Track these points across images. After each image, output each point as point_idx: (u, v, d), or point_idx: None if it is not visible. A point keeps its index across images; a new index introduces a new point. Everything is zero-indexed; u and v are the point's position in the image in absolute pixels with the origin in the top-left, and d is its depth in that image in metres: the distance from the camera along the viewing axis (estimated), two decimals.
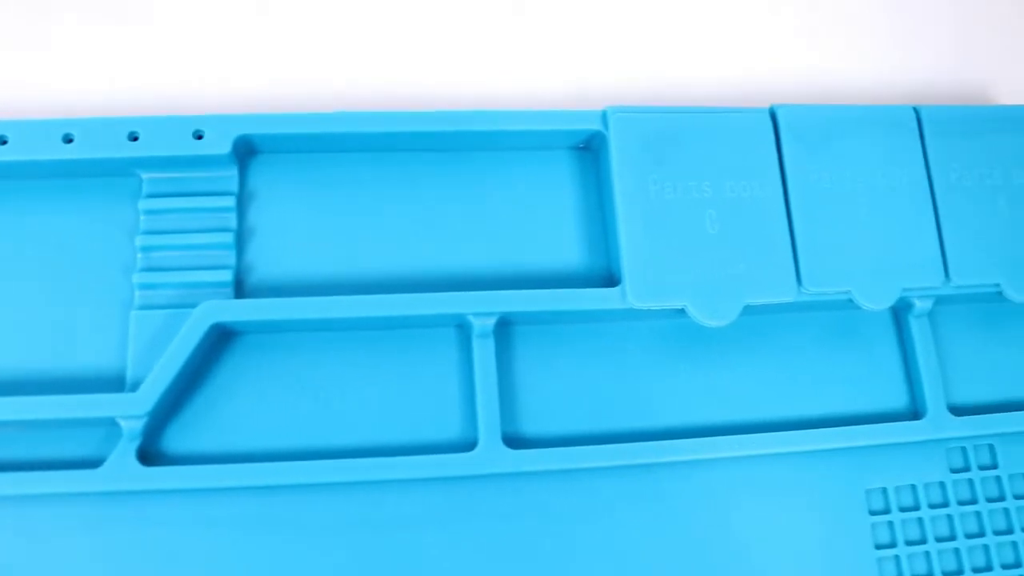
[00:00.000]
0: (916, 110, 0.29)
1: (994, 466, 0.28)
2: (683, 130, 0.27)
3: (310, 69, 0.29)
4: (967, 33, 0.34)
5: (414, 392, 0.26)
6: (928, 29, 0.34)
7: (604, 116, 0.27)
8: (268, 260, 0.27)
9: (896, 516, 0.27)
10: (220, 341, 0.26)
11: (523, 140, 0.28)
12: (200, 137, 0.26)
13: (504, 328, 0.27)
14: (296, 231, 0.27)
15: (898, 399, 0.29)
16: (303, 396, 0.26)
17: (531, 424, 0.26)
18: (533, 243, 0.28)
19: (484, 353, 0.26)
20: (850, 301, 0.27)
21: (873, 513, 0.27)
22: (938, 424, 0.28)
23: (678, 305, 0.26)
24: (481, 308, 0.26)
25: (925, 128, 0.29)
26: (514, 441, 0.26)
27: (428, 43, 0.30)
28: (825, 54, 0.32)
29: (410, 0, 0.30)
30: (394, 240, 0.27)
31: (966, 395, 0.29)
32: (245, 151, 0.27)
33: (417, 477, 0.25)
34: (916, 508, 0.28)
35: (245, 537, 0.25)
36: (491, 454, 0.25)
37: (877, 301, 0.27)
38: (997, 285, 0.28)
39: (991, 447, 0.29)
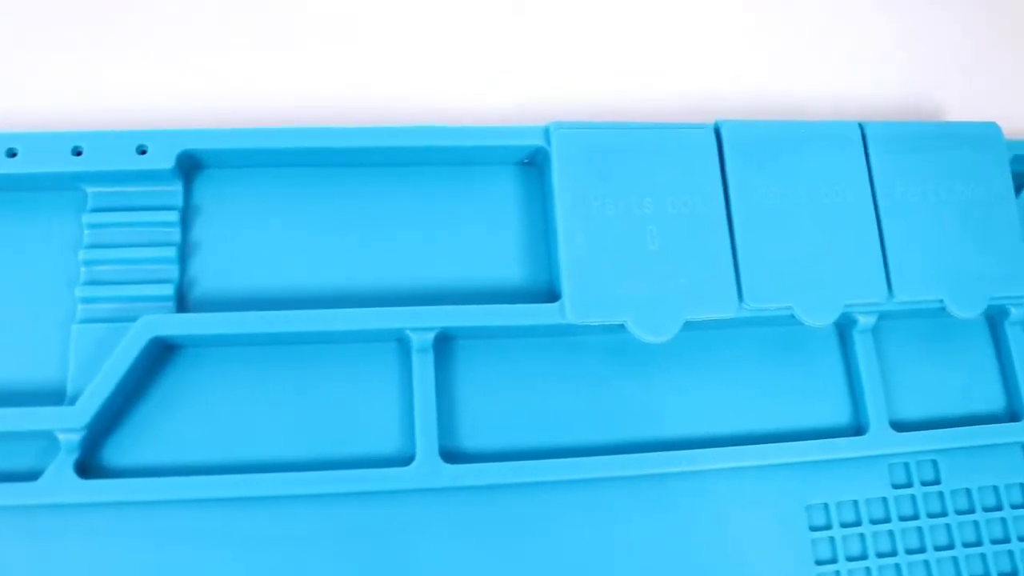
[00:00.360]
0: (861, 126, 0.29)
1: (937, 482, 0.28)
2: (626, 146, 0.27)
3: (257, 84, 0.29)
4: (914, 50, 0.34)
5: (355, 406, 0.26)
6: (875, 45, 0.34)
7: (547, 132, 0.27)
8: (212, 274, 0.27)
9: (837, 532, 0.27)
10: (162, 355, 0.26)
11: (468, 156, 0.28)
12: (143, 152, 0.26)
13: (446, 343, 0.27)
14: (241, 245, 0.27)
15: (841, 415, 0.29)
16: (244, 409, 0.26)
17: (471, 439, 0.27)
18: (477, 258, 0.28)
19: (423, 368, 0.26)
20: (793, 316, 0.27)
21: (814, 529, 0.27)
22: (880, 440, 0.28)
23: (617, 321, 0.26)
24: (419, 323, 0.26)
25: (870, 144, 0.29)
26: (452, 455, 0.26)
27: (374, 59, 0.30)
28: (771, 70, 0.32)
29: (356, 16, 0.30)
30: (338, 255, 0.27)
31: (910, 411, 0.29)
32: (190, 166, 0.27)
33: (354, 491, 0.25)
34: (857, 524, 0.28)
35: (184, 550, 0.25)
36: (428, 468, 0.25)
37: (819, 317, 0.27)
38: (941, 301, 0.28)
39: (934, 463, 0.29)
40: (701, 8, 0.33)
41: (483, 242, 0.28)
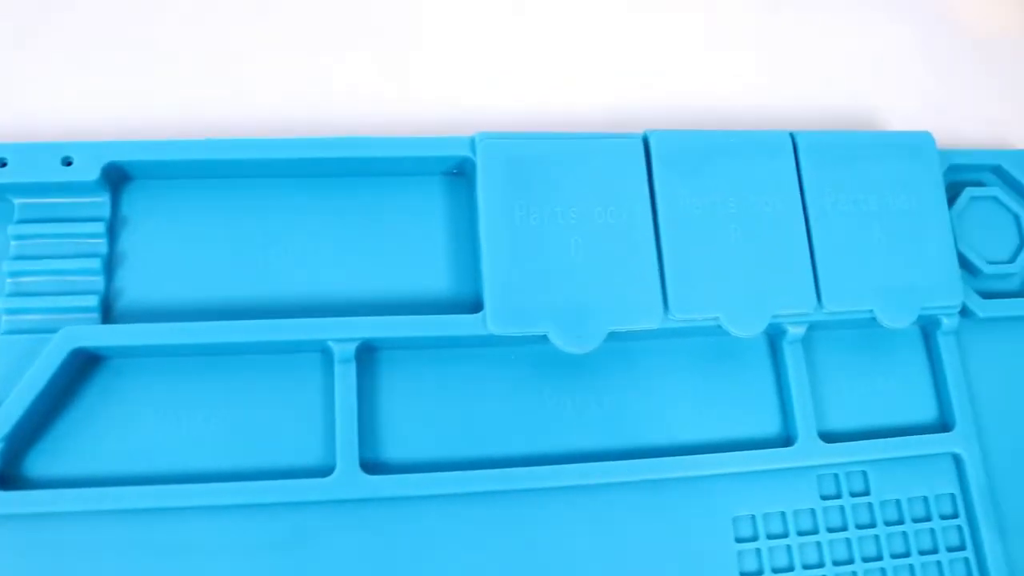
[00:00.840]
0: (792, 135, 0.29)
1: (866, 493, 0.28)
2: (553, 156, 0.27)
3: (183, 95, 0.29)
4: (850, 58, 0.34)
5: (278, 417, 0.26)
6: (810, 53, 0.34)
7: (472, 142, 0.27)
8: (138, 285, 0.27)
9: (764, 543, 0.27)
10: (86, 366, 0.26)
11: (394, 166, 0.28)
12: (69, 163, 0.26)
13: (370, 354, 0.27)
14: (167, 256, 0.27)
15: (771, 426, 0.29)
16: (167, 420, 0.26)
17: (394, 450, 0.27)
18: (404, 269, 0.28)
19: (345, 379, 0.26)
20: (721, 327, 0.27)
21: (740, 540, 0.27)
22: (808, 451, 0.28)
23: (539, 332, 0.26)
24: (340, 335, 0.26)
25: (801, 153, 0.29)
26: (374, 467, 0.26)
27: (302, 69, 0.30)
28: (703, 80, 0.32)
29: (282, 28, 0.30)
30: (264, 266, 0.27)
31: (840, 422, 0.29)
32: (117, 177, 0.27)
33: (273, 502, 0.25)
34: (785, 535, 0.28)
35: (105, 562, 0.25)
36: (347, 479, 0.25)
37: (746, 328, 0.27)
38: (871, 311, 0.28)
39: (864, 474, 0.29)
40: (632, 17, 0.33)
41: (410, 253, 0.28)
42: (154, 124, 0.28)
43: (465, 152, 0.28)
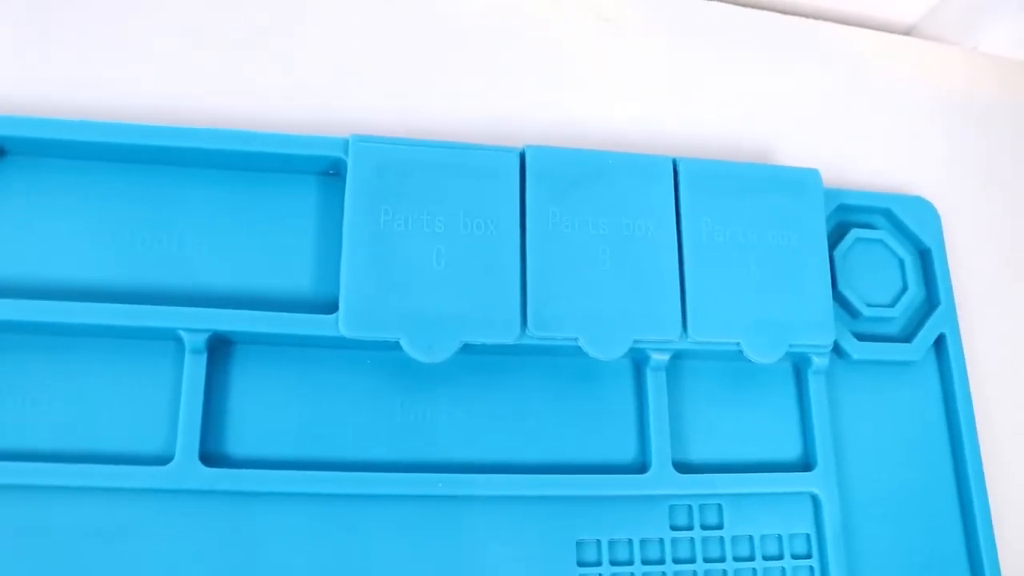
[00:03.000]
0: (674, 161, 0.29)
1: (720, 526, 0.28)
2: (426, 163, 0.27)
3: (69, 77, 0.29)
4: (750, 93, 0.34)
5: (128, 403, 0.26)
6: (702, 80, 0.34)
7: (346, 143, 0.27)
8: (2, 260, 0.27)
9: (606, 569, 0.27)
10: None
11: (268, 162, 0.28)
12: None
13: (226, 347, 0.27)
14: (34, 234, 0.27)
15: (627, 452, 0.28)
16: (12, 399, 0.26)
17: (239, 444, 0.26)
18: (272, 265, 0.28)
19: (193, 369, 0.26)
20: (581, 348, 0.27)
21: (582, 564, 0.27)
22: (660, 480, 0.28)
23: (391, 338, 0.26)
24: (191, 324, 0.26)
25: (681, 180, 0.29)
26: (215, 459, 0.26)
27: (194, 61, 0.30)
28: (597, 101, 0.32)
29: (175, 19, 0.30)
30: (131, 251, 0.27)
31: (702, 453, 0.29)
32: None
33: (108, 486, 0.25)
34: (630, 563, 0.27)
35: None
36: (185, 470, 0.25)
37: (606, 351, 0.27)
38: (737, 344, 0.28)
39: (719, 507, 0.28)
40: (531, 32, 0.33)
41: (280, 249, 0.28)
42: (40, 103, 0.28)
43: (338, 153, 0.27)
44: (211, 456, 0.26)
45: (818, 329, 0.29)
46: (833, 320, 0.29)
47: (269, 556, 0.26)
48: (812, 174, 0.30)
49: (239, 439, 0.27)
